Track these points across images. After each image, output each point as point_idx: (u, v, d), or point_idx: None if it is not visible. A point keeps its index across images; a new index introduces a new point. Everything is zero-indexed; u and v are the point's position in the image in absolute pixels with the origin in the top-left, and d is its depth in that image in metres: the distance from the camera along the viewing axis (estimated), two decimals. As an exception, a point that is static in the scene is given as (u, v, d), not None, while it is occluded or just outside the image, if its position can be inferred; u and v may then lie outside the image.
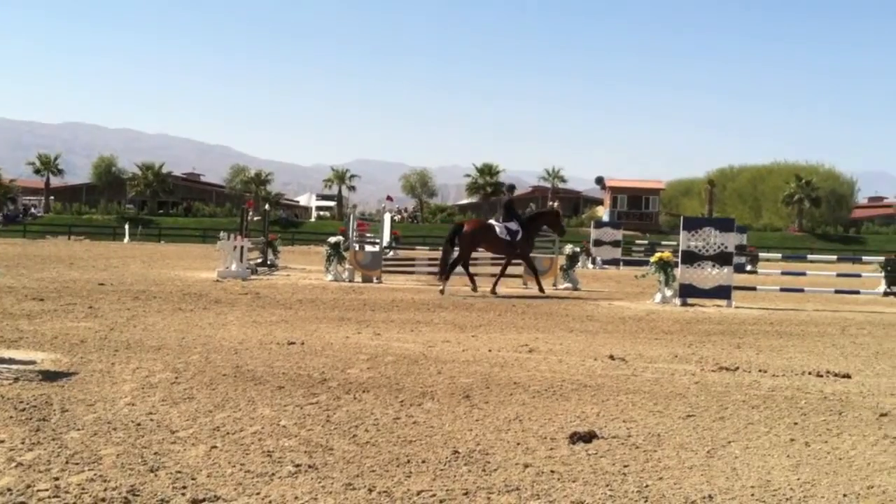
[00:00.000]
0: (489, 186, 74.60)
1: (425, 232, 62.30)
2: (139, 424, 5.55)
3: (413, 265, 22.09)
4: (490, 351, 9.43)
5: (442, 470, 4.80)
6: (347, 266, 20.28)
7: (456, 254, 18.30)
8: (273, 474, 4.60)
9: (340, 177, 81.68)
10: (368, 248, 21.46)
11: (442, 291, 17.43)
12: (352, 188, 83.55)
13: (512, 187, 21.82)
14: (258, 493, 4.28)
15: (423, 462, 4.94)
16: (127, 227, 56.18)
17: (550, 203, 70.60)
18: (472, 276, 18.25)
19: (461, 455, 5.10)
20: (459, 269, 18.27)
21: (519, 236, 18.32)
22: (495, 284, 18.01)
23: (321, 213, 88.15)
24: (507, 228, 18.27)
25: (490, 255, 19.73)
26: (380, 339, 10.09)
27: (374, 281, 19.88)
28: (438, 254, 19.27)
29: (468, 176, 77.99)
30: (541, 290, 18.15)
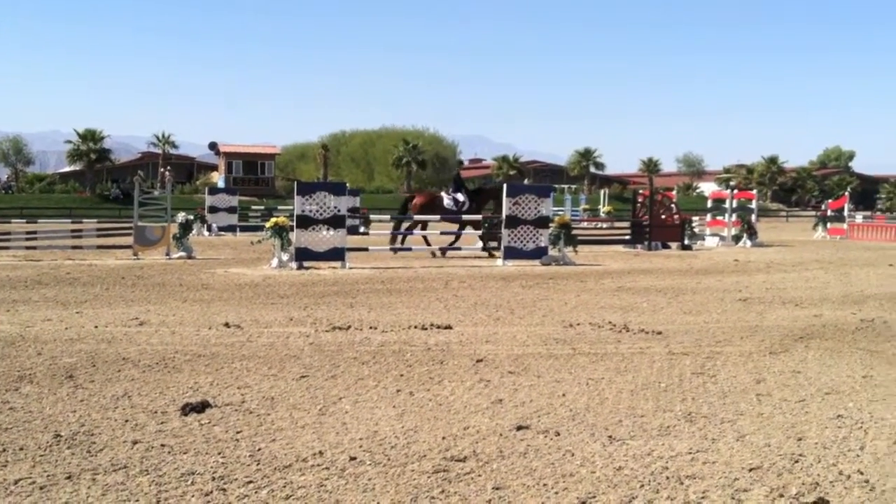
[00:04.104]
0: (93, 153, 69.72)
1: (23, 203, 57.32)
2: None
3: (8, 240, 20.27)
4: (96, 327, 8.94)
5: (42, 455, 4.50)
6: (-72, 244, 18.14)
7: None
8: None
9: (-86, 149, 72.35)
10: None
11: (395, 251, 20.19)
12: (-72, 161, 74.41)
13: (460, 162, 26.22)
14: None
15: (22, 449, 4.60)
16: None
17: (162, 169, 68.18)
18: (427, 240, 21.00)
19: (63, 438, 4.81)
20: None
21: (466, 206, 21.07)
22: (446, 249, 20.38)
23: None
24: (454, 199, 20.96)
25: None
26: (-31, 323, 9.18)
27: (-37, 259, 17.97)
28: (37, 227, 18.13)
29: (69, 142, 72.30)
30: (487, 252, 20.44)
